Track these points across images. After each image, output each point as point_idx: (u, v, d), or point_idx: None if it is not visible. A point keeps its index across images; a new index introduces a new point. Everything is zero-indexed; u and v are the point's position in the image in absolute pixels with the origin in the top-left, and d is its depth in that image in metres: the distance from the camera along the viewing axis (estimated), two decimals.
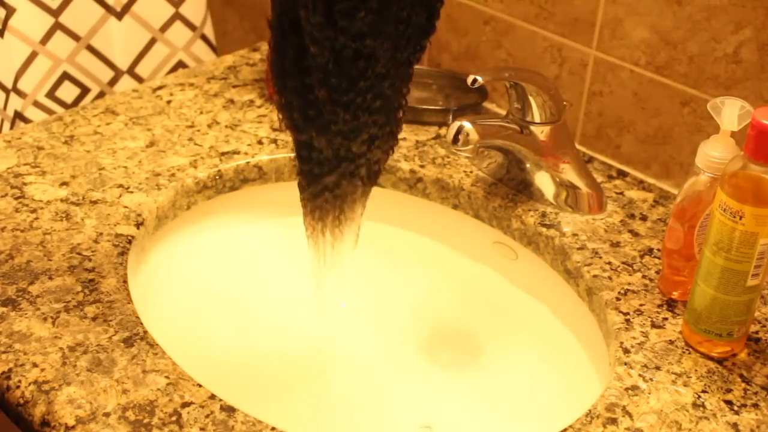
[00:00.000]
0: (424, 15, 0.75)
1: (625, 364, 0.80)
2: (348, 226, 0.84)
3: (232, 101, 1.11)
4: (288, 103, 0.77)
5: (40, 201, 0.93)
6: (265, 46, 1.22)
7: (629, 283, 0.89)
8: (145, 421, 0.71)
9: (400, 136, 1.07)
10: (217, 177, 0.99)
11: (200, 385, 0.74)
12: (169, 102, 1.10)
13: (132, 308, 0.81)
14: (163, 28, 1.24)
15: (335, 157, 0.78)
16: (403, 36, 0.74)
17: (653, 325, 0.84)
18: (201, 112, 1.09)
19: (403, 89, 0.79)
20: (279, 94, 0.78)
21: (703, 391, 0.78)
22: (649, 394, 0.77)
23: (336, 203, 0.82)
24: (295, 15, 0.72)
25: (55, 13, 1.14)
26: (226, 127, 1.06)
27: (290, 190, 0.86)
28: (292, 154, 0.97)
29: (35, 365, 0.75)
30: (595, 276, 0.89)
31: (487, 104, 1.14)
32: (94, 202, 0.93)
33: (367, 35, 0.71)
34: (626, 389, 0.77)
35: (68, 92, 1.19)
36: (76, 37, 1.17)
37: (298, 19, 0.72)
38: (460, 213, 1.01)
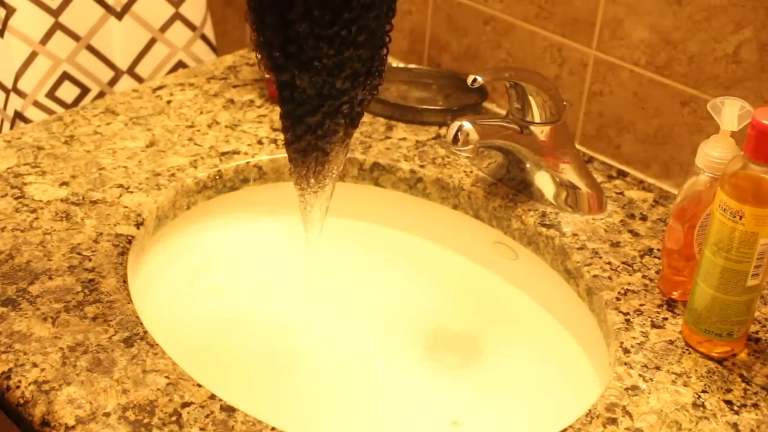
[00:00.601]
0: None
1: (625, 364, 0.80)
2: (329, 170, 0.81)
3: (232, 101, 1.11)
4: (267, 40, 0.73)
5: (40, 201, 0.93)
6: None
7: (629, 283, 0.89)
8: (145, 421, 0.71)
9: (400, 135, 1.07)
10: (217, 177, 0.99)
11: (200, 385, 0.74)
12: (169, 102, 1.10)
13: (132, 308, 0.81)
14: (163, 28, 1.24)
15: (318, 96, 0.75)
16: None
17: (653, 325, 0.84)
18: (201, 112, 1.09)
19: (386, 25, 0.75)
20: (257, 32, 0.73)
21: (703, 391, 0.78)
22: (649, 394, 0.77)
23: (318, 144, 0.79)
24: None
25: (55, 13, 1.14)
26: (226, 127, 1.06)
27: (290, 190, 0.86)
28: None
29: (35, 365, 0.75)
30: (595, 276, 0.89)
31: (487, 104, 1.14)
32: (94, 202, 0.93)
33: None
34: (626, 389, 0.77)
35: (68, 92, 1.19)
36: (76, 37, 1.17)
37: None
38: (460, 213, 1.01)
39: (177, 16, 1.24)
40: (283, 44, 0.73)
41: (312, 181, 0.82)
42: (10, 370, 0.74)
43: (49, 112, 1.17)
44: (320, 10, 0.70)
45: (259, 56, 0.75)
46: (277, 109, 1.10)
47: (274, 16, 0.72)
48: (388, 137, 1.07)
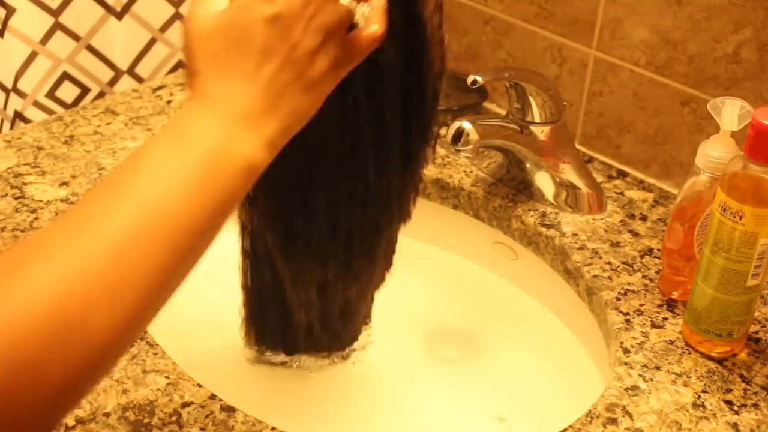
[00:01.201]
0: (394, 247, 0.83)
1: (625, 364, 0.80)
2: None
3: None
4: (266, 343, 0.85)
5: (40, 201, 0.93)
6: None
7: (629, 283, 0.89)
8: (145, 421, 0.71)
9: None
10: None
11: (200, 385, 0.74)
12: (169, 102, 1.10)
13: None
14: (163, 28, 1.24)
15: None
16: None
17: (653, 325, 0.84)
18: None
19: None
20: (258, 340, 0.85)
21: (703, 391, 0.78)
22: (649, 394, 0.77)
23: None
24: (276, 287, 0.78)
25: (55, 13, 1.14)
26: None
27: None
28: None
29: None
30: (595, 276, 0.89)
31: (487, 104, 1.14)
32: None
33: (354, 294, 0.79)
34: (626, 389, 0.77)
35: (68, 92, 1.19)
36: (76, 37, 1.17)
37: (280, 290, 0.78)
38: (460, 213, 1.01)
39: (177, 16, 1.24)
40: (281, 339, 0.85)
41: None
42: None
43: (49, 112, 1.17)
44: (321, 332, 0.83)
45: (253, 346, 0.86)
46: None
47: (275, 338, 0.85)
48: None
